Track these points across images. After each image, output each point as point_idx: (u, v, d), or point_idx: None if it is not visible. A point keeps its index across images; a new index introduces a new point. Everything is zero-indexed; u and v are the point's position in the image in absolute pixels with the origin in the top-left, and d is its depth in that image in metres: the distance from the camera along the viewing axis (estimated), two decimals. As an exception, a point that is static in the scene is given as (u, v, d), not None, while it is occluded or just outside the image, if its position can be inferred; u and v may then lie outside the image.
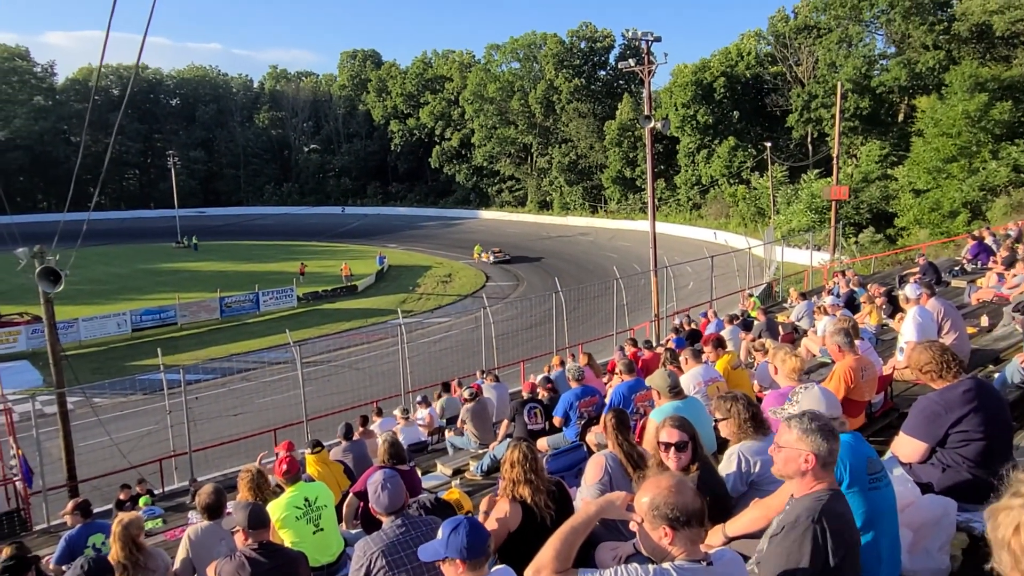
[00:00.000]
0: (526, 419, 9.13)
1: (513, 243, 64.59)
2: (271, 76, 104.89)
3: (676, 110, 62.70)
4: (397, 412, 13.32)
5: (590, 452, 6.12)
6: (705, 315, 17.72)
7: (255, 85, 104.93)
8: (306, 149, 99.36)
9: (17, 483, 13.04)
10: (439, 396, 14.86)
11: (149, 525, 9.58)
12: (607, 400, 8.39)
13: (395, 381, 19.71)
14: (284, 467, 5.54)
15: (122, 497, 11.54)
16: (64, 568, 5.98)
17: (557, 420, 8.60)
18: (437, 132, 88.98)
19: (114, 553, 4.65)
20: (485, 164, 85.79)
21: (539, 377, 13.72)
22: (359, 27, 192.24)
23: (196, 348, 32.69)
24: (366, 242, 66.72)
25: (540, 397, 9.73)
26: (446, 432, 12.20)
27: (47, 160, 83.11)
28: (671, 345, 13.72)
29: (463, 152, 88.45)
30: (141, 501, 11.25)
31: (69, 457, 13.97)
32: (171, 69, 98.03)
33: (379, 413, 14.83)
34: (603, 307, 25.60)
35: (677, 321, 18.26)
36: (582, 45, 79.54)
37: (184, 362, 26.71)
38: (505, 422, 9.60)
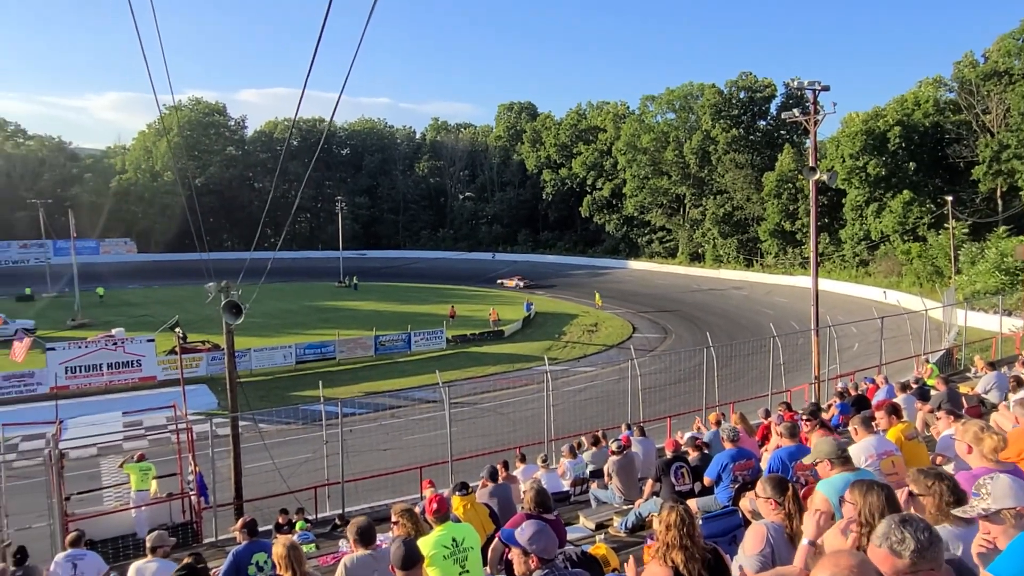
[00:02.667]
0: (673, 479, 8.77)
1: (661, 295, 63.47)
2: (432, 127, 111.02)
3: (843, 161, 59.60)
4: (539, 460, 13.22)
5: (745, 518, 5.78)
6: (873, 380, 16.37)
7: (417, 136, 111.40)
8: (461, 196, 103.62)
9: (192, 497, 14.16)
10: (579, 446, 14.62)
11: (304, 550, 10.02)
12: (763, 465, 7.91)
13: (538, 428, 19.68)
14: (435, 506, 5.62)
15: (280, 521, 12.18)
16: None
17: (708, 481, 8.19)
18: (589, 182, 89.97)
19: (282, 572, 4.88)
20: (636, 214, 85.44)
21: (686, 435, 13.19)
22: (517, 81, 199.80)
23: (351, 383, 34.34)
24: (514, 288, 68.01)
25: (687, 456, 9.35)
26: (590, 484, 11.95)
27: (233, 204, 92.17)
28: (834, 411, 12.77)
29: (614, 202, 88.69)
30: (297, 526, 11.82)
31: (237, 477, 14.99)
32: (344, 122, 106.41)
33: (522, 459, 14.80)
34: (757, 365, 24.38)
35: (841, 385, 16.97)
36: (741, 95, 77.93)
37: (340, 395, 28.22)
38: (651, 481, 9.27)
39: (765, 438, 11.29)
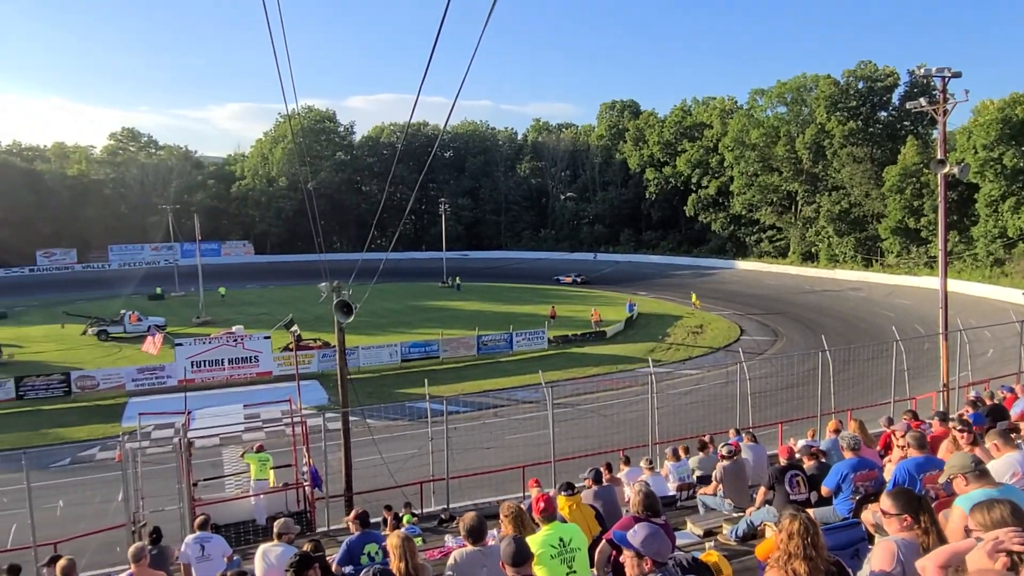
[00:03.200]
0: (787, 488, 8.38)
1: (772, 296, 61.12)
2: (534, 128, 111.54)
3: (976, 152, 55.53)
4: (643, 463, 13.00)
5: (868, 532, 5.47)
6: (1011, 389, 15.08)
7: (519, 137, 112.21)
8: (563, 197, 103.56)
9: (306, 488, 14.79)
10: (685, 450, 14.25)
11: (411, 543, 10.23)
12: (887, 476, 7.43)
13: (641, 430, 19.33)
14: (542, 505, 5.59)
15: (386, 516, 12.51)
16: (345, 570, 6.60)
17: (825, 491, 7.77)
18: (694, 180, 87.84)
19: (395, 564, 5.00)
20: (744, 212, 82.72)
21: (800, 443, 12.61)
22: (619, 79, 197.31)
23: (454, 381, 34.93)
24: (617, 288, 67.34)
25: (803, 464, 8.93)
26: (697, 490, 11.63)
27: (342, 207, 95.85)
28: (967, 418, 11.85)
29: (720, 200, 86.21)
30: (404, 519, 12.10)
31: (348, 470, 15.54)
32: (448, 125, 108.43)
33: (626, 462, 14.59)
34: (877, 371, 23.04)
35: (974, 394, 15.74)
36: (860, 85, 73.90)
37: (444, 394, 28.73)
38: (763, 488, 8.90)
39: (887, 448, 10.64)
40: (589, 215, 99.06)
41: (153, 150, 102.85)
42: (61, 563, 6.50)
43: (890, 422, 12.56)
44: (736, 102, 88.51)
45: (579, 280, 73.36)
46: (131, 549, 7.20)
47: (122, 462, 14.19)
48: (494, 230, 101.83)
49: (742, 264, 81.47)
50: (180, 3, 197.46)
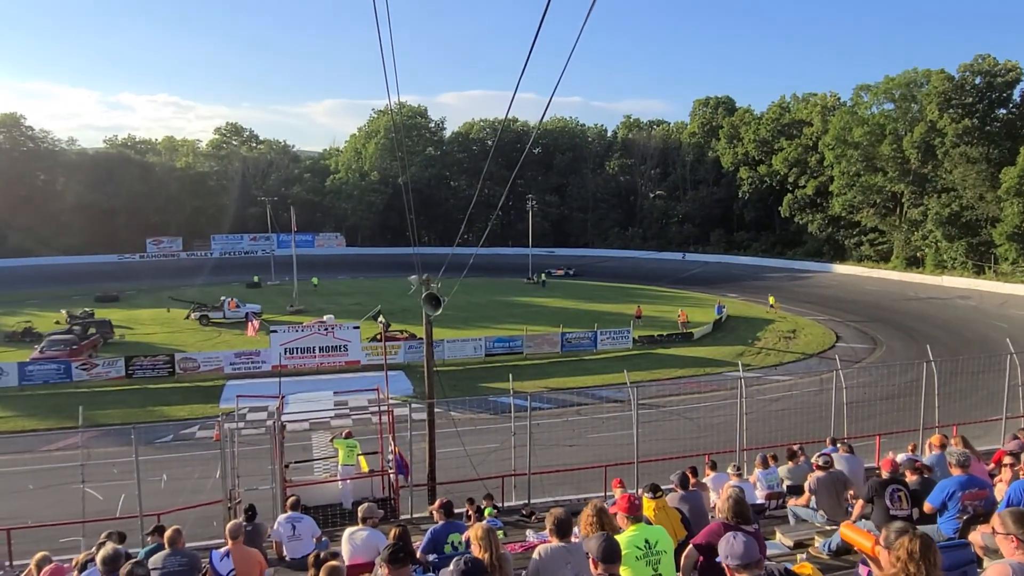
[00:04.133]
0: (888, 502, 7.94)
1: (871, 302, 58.33)
2: (624, 125, 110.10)
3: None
4: (731, 469, 12.63)
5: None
6: None
7: (608, 134, 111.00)
8: (652, 195, 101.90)
9: (391, 475, 15.11)
10: (774, 458, 13.74)
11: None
12: (999, 496, 6.95)
13: (728, 436, 18.85)
14: (627, 504, 5.49)
15: (469, 508, 12.60)
16: (429, 557, 6.68)
17: (929, 508, 7.34)
18: (790, 179, 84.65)
19: (478, 554, 5.03)
20: (843, 214, 79.11)
21: (902, 456, 11.97)
22: (714, 75, 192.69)
23: (537, 377, 34.97)
24: (705, 290, 65.81)
25: (905, 479, 8.45)
26: (787, 499, 11.20)
27: (431, 201, 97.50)
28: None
29: (818, 201, 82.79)
30: (486, 512, 12.18)
31: (431, 460, 15.78)
32: (536, 121, 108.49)
33: (713, 467, 14.20)
34: (987, 385, 21.65)
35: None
36: (976, 81, 69.35)
37: (527, 389, 28.80)
38: (861, 501, 8.47)
39: (999, 466, 9.96)
40: (678, 214, 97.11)
41: (254, 144, 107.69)
42: (168, 533, 6.86)
43: (1015, 439, 11.76)
44: (839, 98, 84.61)
45: (571, 273, 74.73)
46: (229, 526, 7.52)
47: (220, 441, 14.87)
48: (581, 227, 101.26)
49: (840, 268, 78.02)
50: (284, 4, 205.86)
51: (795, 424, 21.95)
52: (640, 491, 12.85)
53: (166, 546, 6.74)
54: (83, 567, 7.63)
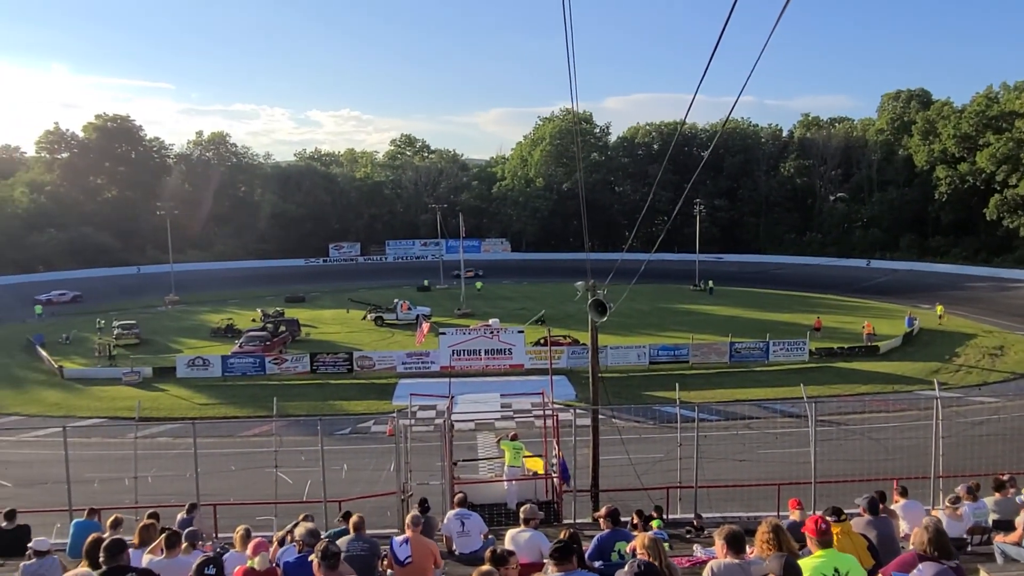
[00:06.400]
0: None
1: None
2: (801, 124, 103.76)
3: None
4: (949, 500, 11.37)
5: None
6: None
7: (784, 134, 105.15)
8: (832, 198, 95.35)
9: (555, 479, 15.13)
10: (976, 487, 12.22)
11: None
12: None
13: (920, 460, 17.04)
14: (815, 527, 5.06)
15: (634, 520, 12.29)
16: (595, 564, 6.56)
17: None
18: (999, 178, 75.61)
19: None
20: (1063, 216, 69.74)
21: None
22: (906, 66, 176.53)
23: (703, 388, 33.75)
24: (893, 300, 60.48)
25: None
26: (995, 535, 9.94)
27: (595, 207, 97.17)
28: None
29: (1032, 201, 73.51)
30: (653, 523, 11.83)
31: (595, 466, 15.61)
32: (705, 123, 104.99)
33: (903, 493, 12.89)
34: None
35: None
36: None
37: (693, 399, 27.86)
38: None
39: None
40: (863, 218, 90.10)
41: (426, 154, 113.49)
42: (353, 519, 7.27)
43: None
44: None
45: (480, 274, 73.75)
46: (410, 516, 7.88)
47: (393, 436, 15.63)
48: (752, 232, 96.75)
49: (1060, 276, 68.75)
50: (454, 20, 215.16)
51: (1003, 452, 19.64)
52: (819, 514, 11.94)
53: (351, 531, 7.13)
54: (280, 542, 8.27)
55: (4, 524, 9.94)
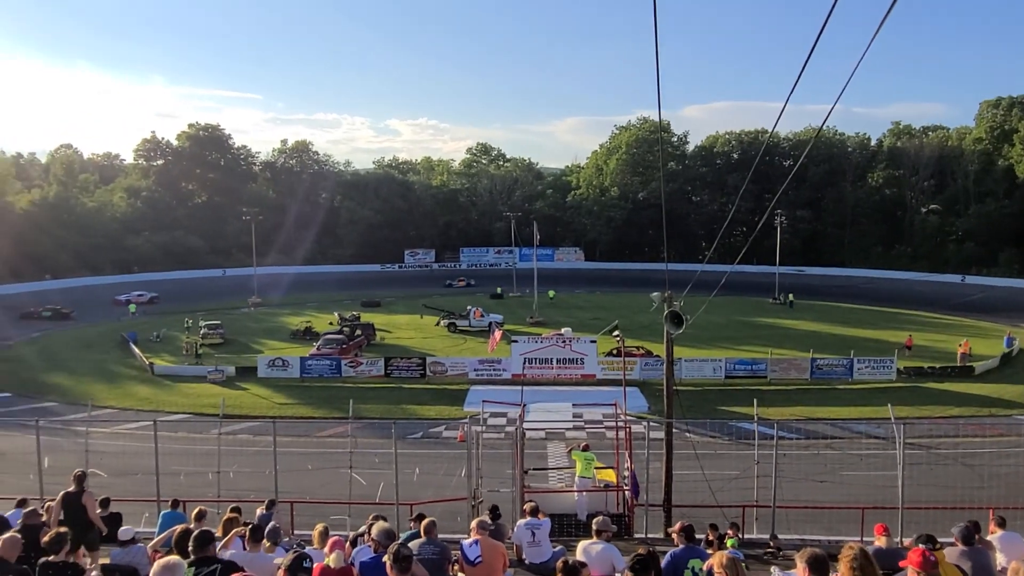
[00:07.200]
0: None
1: None
2: (892, 133, 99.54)
3: None
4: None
5: None
6: None
7: (872, 143, 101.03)
8: (924, 210, 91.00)
9: (626, 492, 14.88)
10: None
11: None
12: None
13: (1019, 490, 16.05)
14: (921, 559, 4.78)
15: (710, 537, 11.97)
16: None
17: None
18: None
19: None
20: None
21: None
22: (1008, 73, 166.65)
23: (782, 404, 32.61)
24: (990, 318, 57.17)
25: None
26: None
27: (672, 217, 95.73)
28: None
29: None
30: (728, 542, 11.48)
31: (668, 480, 15.27)
32: (788, 132, 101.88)
33: (1001, 524, 12.09)
34: None
35: None
36: None
37: (771, 416, 26.98)
38: None
39: None
40: (957, 231, 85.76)
41: (501, 163, 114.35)
42: (425, 523, 7.34)
43: None
44: None
45: (471, 283, 75.26)
46: (479, 520, 7.91)
47: (465, 442, 15.68)
48: (836, 245, 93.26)
49: None
50: (532, 29, 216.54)
51: (1114, 484, 18.17)
52: (907, 541, 11.37)
53: (422, 534, 7.19)
54: (353, 542, 8.40)
55: (99, 511, 10.45)
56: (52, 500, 10.75)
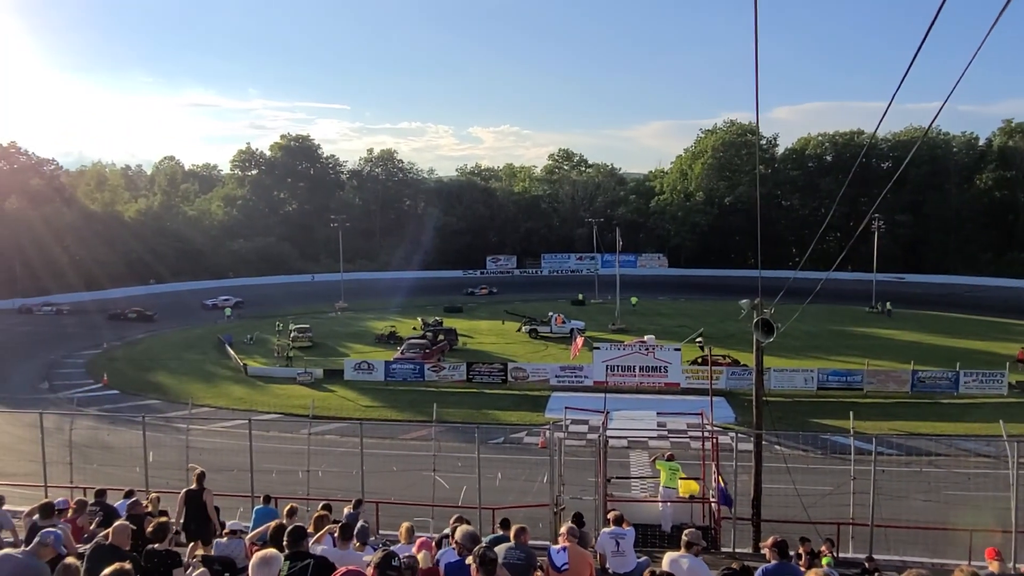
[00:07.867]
0: None
1: None
2: (1003, 132, 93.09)
3: None
4: None
5: None
6: None
7: (980, 143, 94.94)
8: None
9: (713, 504, 14.45)
10: None
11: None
12: None
13: None
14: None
15: (802, 551, 11.47)
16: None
17: None
18: None
19: None
20: None
21: None
22: None
23: (879, 418, 31.11)
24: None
25: None
26: None
27: (761, 221, 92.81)
28: None
29: None
30: (823, 560, 10.97)
31: (757, 493, 14.74)
32: (887, 132, 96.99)
33: None
34: None
35: None
36: None
37: (867, 430, 25.70)
38: None
39: None
40: (1078, 236, 79.71)
41: (583, 168, 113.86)
42: (513, 528, 7.30)
43: None
44: None
45: (494, 291, 74.83)
46: (567, 526, 7.86)
47: (547, 448, 15.59)
48: (939, 251, 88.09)
49: None
50: (615, 33, 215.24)
51: None
52: (1022, 567, 10.58)
53: (511, 539, 7.15)
54: (438, 544, 8.46)
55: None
56: (156, 493, 11.34)
